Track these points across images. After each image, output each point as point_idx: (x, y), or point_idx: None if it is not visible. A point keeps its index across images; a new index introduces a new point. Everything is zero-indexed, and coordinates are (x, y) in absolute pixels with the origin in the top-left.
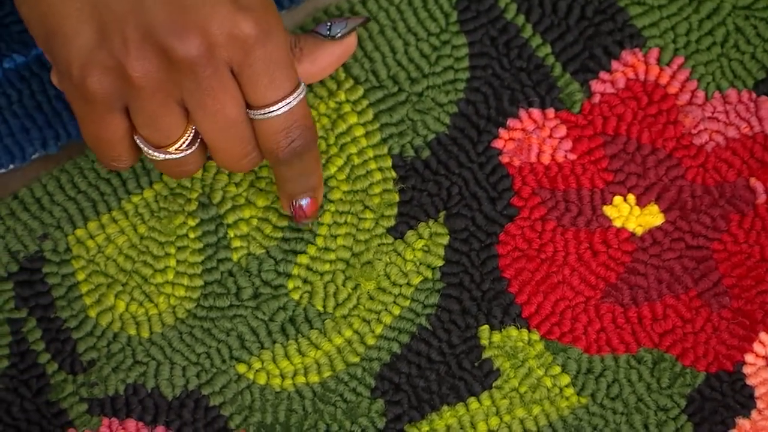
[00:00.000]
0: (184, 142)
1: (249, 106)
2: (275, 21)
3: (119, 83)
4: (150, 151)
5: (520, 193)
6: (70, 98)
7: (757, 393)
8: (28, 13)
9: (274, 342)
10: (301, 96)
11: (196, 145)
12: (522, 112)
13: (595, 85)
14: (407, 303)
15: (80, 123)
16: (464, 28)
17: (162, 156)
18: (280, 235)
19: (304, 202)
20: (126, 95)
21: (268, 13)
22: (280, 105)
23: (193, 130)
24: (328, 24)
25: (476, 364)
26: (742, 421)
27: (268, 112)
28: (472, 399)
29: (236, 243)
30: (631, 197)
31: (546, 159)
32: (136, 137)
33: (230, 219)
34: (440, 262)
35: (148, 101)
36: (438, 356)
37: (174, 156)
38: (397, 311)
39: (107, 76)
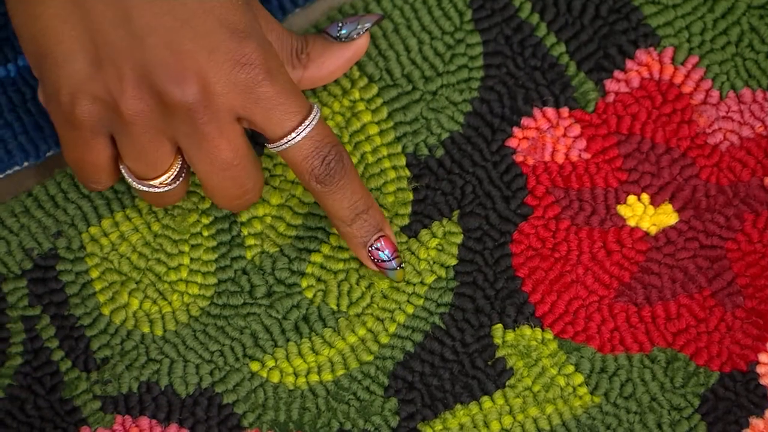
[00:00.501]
0: (169, 177)
1: (269, 141)
2: (273, 57)
3: (108, 114)
4: (133, 182)
5: (534, 192)
6: (54, 120)
7: None
8: (21, 28)
9: (288, 340)
10: (318, 115)
11: (181, 179)
12: (536, 111)
13: (610, 84)
14: (421, 302)
15: (63, 146)
16: (479, 26)
17: (145, 188)
18: (293, 233)
19: (380, 245)
20: (114, 126)
21: (266, 52)
22: (299, 130)
23: (178, 166)
24: (339, 24)
25: (490, 362)
26: (755, 421)
27: (291, 139)
28: (485, 398)
29: (250, 241)
30: (645, 196)
31: (560, 158)
32: (121, 165)
33: (244, 217)
34: (454, 261)
35: (137, 137)
36: (451, 355)
37: (157, 189)
38: (410, 310)
39: (96, 106)
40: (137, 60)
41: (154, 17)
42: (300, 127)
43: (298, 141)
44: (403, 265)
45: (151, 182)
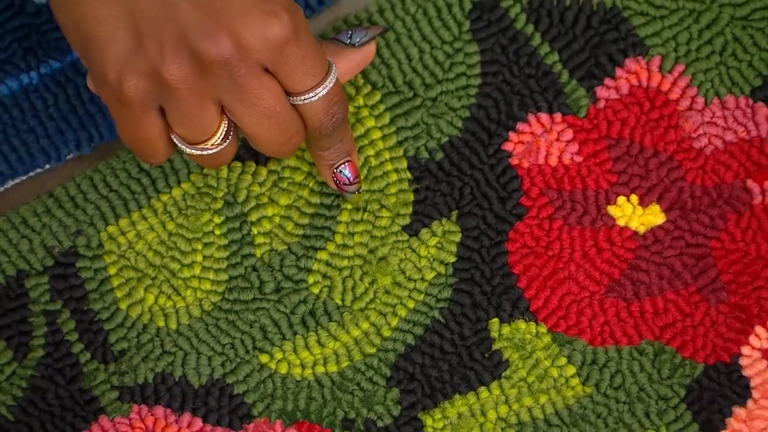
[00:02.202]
0: (219, 137)
1: (290, 94)
2: (300, 18)
3: (154, 86)
4: (186, 148)
5: (529, 194)
6: (106, 101)
7: (752, 384)
8: (63, 19)
9: (295, 333)
10: (335, 77)
11: (230, 138)
12: (531, 117)
13: (600, 91)
14: (421, 297)
15: (117, 124)
16: (476, 36)
17: (197, 152)
18: (301, 232)
19: (344, 168)
20: (161, 96)
21: (294, 13)
22: (318, 90)
23: (225, 125)
24: (349, 32)
25: (486, 355)
26: (738, 410)
27: (309, 97)
28: (482, 388)
29: (259, 239)
30: (634, 197)
31: (553, 161)
32: (172, 135)
33: (254, 217)
34: (453, 259)
35: (183, 102)
36: (450, 347)
37: (210, 151)
38: (411, 305)
39: (143, 80)
40: (174, 27)
41: None
42: (319, 88)
43: (315, 100)
44: (360, 190)
45: (203, 145)
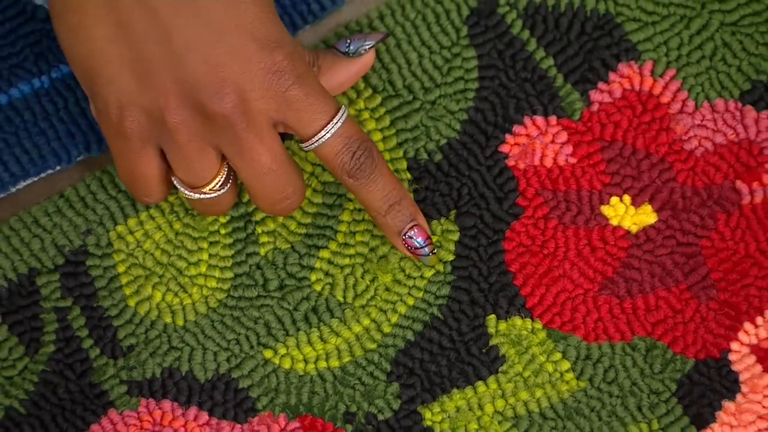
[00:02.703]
0: (217, 183)
1: (302, 141)
2: (300, 63)
3: (155, 126)
4: (186, 192)
5: (525, 194)
6: (106, 134)
7: (741, 378)
8: (70, 51)
9: (298, 329)
10: (345, 114)
11: (229, 185)
12: (527, 119)
13: (594, 95)
14: (420, 294)
15: (115, 159)
16: (474, 41)
17: (196, 196)
18: (303, 231)
19: (413, 233)
20: (161, 138)
21: (295, 60)
22: (329, 128)
23: (225, 172)
24: (348, 41)
25: (484, 350)
26: (727, 404)
27: (321, 137)
28: (479, 383)
29: (263, 238)
30: (627, 198)
31: (548, 162)
32: (173, 178)
33: (258, 216)
34: (451, 257)
35: (183, 146)
36: (448, 343)
37: (208, 196)
38: (411, 302)
39: (143, 117)
40: (179, 75)
41: (192, 34)
42: (329, 125)
43: (328, 139)
44: (435, 251)
45: (202, 189)
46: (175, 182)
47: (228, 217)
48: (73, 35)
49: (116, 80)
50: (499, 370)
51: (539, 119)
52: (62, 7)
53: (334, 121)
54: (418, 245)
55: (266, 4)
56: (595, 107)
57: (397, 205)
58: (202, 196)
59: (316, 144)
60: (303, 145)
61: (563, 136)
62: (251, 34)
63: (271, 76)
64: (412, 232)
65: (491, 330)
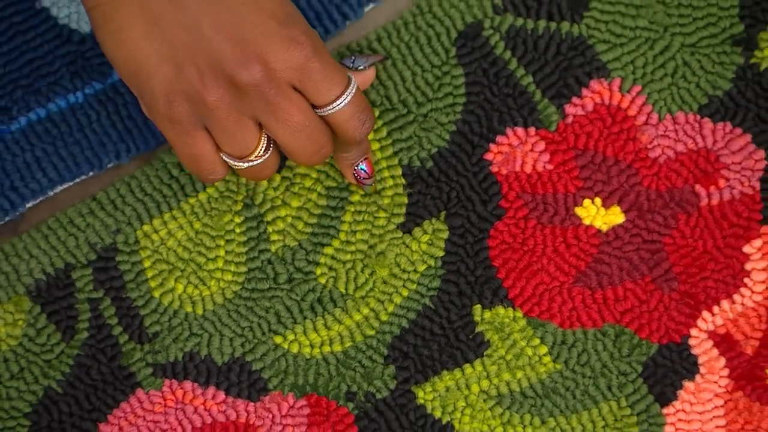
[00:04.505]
0: (260, 149)
1: (318, 107)
2: (317, 40)
3: (199, 107)
4: (234, 163)
5: (507, 197)
6: (159, 125)
7: (700, 361)
8: (112, 54)
9: (305, 318)
10: (356, 86)
11: (270, 150)
12: (508, 130)
13: (568, 108)
14: (414, 286)
15: (173, 146)
16: (461, 61)
17: (245, 164)
18: (309, 230)
19: (363, 165)
20: (205, 117)
21: (312, 36)
22: (343, 98)
23: (265, 139)
24: (353, 58)
25: (470, 336)
26: (687, 384)
27: (336, 106)
28: (467, 365)
29: (274, 237)
30: (598, 200)
31: (528, 169)
32: (222, 154)
33: (269, 217)
34: (441, 253)
35: (224, 121)
36: (439, 330)
37: (254, 162)
38: (405, 293)
39: (188, 102)
40: (210, 56)
41: (219, 19)
42: (342, 96)
43: (342, 107)
44: (374, 182)
45: (249, 158)
46: (224, 157)
47: (242, 218)
48: (114, 39)
49: (157, 73)
50: (484, 354)
51: (520, 130)
52: (101, 18)
53: (347, 92)
54: (365, 175)
55: None
56: (569, 119)
57: (357, 145)
58: (250, 164)
59: (330, 111)
60: (318, 111)
61: (541, 146)
62: (270, 13)
63: (291, 48)
64: (362, 164)
65: (477, 318)
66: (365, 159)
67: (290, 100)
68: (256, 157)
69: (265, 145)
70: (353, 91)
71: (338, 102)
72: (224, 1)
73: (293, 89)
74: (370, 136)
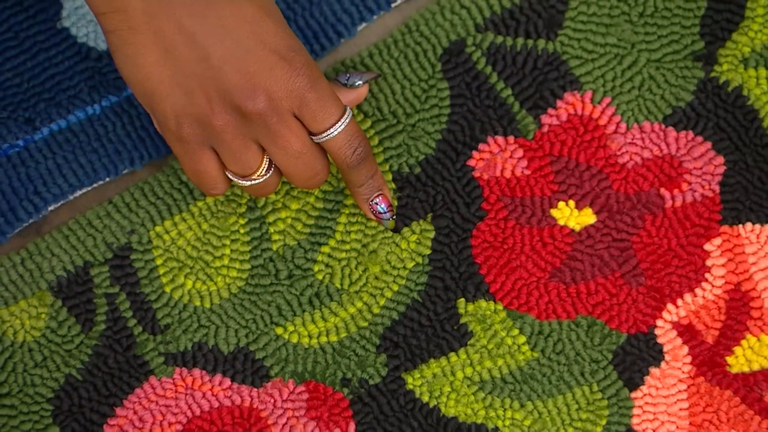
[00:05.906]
0: (262, 170)
1: (314, 134)
2: (316, 70)
3: (206, 130)
4: (238, 181)
5: (488, 200)
6: (169, 141)
7: (665, 349)
8: (129, 76)
9: (304, 311)
10: (350, 116)
11: (272, 171)
12: (489, 139)
13: (544, 119)
14: (403, 282)
15: (180, 161)
16: (446, 75)
17: (248, 183)
18: (308, 230)
19: (378, 200)
20: (212, 139)
21: (311, 67)
22: (337, 126)
23: (267, 161)
24: (347, 75)
25: (455, 327)
26: (654, 370)
27: (330, 134)
28: (452, 354)
29: (275, 237)
30: (572, 202)
31: (508, 174)
32: (227, 172)
33: (271, 218)
34: (428, 251)
35: (230, 143)
36: (426, 321)
37: (257, 181)
38: (396, 288)
39: (196, 124)
40: (219, 85)
41: (226, 52)
42: (337, 125)
43: (335, 135)
44: (395, 217)
45: (251, 177)
46: (229, 176)
47: (246, 219)
48: (131, 62)
49: (169, 96)
50: (468, 343)
51: (500, 139)
52: (118, 42)
53: (341, 121)
54: (381, 210)
55: (281, 22)
56: (545, 129)
57: (371, 180)
58: (253, 182)
59: (325, 138)
60: (314, 137)
61: (519, 153)
62: (273, 47)
63: (292, 79)
64: (377, 200)
65: (461, 311)
66: (380, 195)
67: (290, 129)
68: (258, 176)
69: (266, 165)
70: (347, 120)
71: (332, 130)
72: (231, 35)
73: (293, 117)
74: None
